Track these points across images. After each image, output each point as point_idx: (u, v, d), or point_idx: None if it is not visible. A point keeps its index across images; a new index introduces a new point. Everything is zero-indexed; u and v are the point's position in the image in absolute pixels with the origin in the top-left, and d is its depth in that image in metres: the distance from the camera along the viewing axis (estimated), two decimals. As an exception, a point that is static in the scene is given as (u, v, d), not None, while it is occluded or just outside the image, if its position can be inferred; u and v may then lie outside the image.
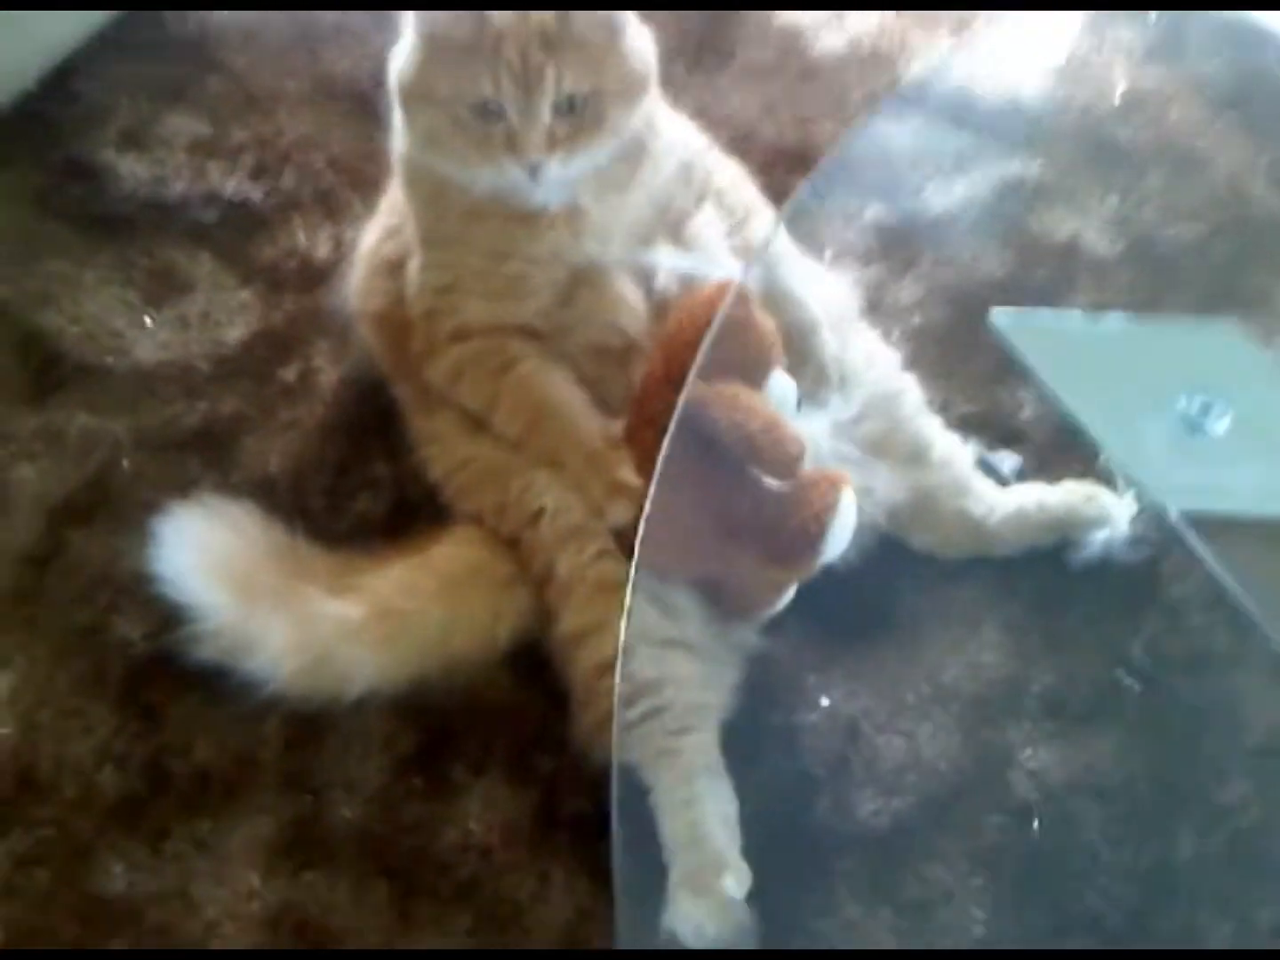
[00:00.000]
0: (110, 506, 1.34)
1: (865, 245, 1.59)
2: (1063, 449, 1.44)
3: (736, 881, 1.10)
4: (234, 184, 1.60)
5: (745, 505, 1.17)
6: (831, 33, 1.86)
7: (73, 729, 1.20)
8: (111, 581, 1.29)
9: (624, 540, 1.22)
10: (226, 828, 1.16)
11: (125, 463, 1.37)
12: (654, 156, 1.28)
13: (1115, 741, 1.26)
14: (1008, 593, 1.35)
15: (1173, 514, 1.09)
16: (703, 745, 1.19)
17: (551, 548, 1.22)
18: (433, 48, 1.17)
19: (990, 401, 1.47)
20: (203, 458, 1.37)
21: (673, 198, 1.31)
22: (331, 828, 1.17)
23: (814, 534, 1.13)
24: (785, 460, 1.13)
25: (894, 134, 1.74)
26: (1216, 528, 1.07)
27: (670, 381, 1.19)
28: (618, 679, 1.14)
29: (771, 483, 1.17)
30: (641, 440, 1.22)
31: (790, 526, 1.14)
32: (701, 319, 1.20)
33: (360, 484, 1.38)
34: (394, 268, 1.35)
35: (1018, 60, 1.80)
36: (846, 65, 1.82)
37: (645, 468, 1.21)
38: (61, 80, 1.68)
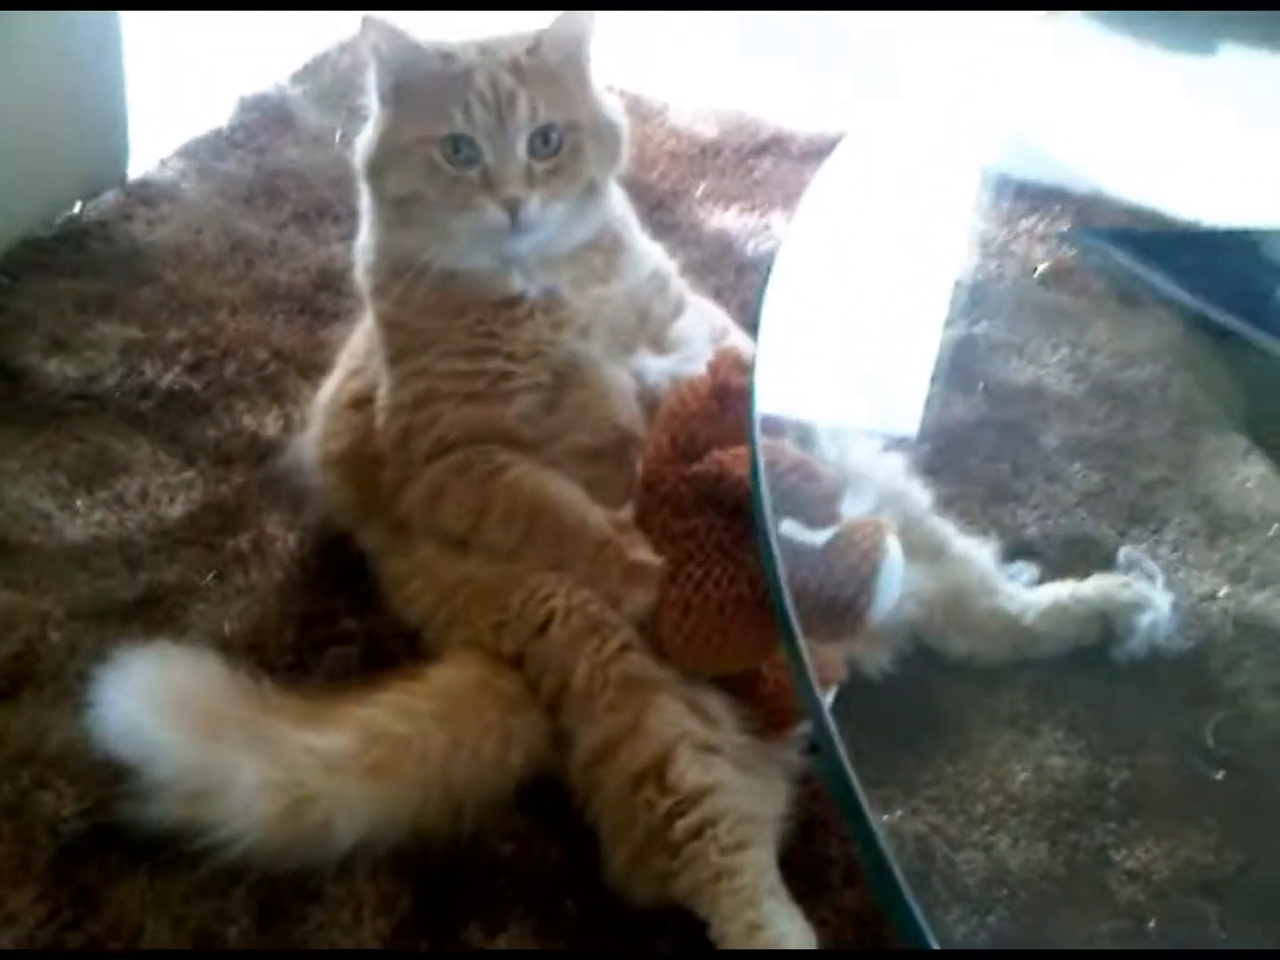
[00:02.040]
0: (36, 681, 1.15)
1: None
2: (1076, 556, 1.37)
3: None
4: (171, 377, 1.50)
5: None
6: (762, 240, 1.90)
7: (-11, 921, 0.97)
8: (37, 757, 1.09)
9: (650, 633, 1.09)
10: (193, 1015, 0.92)
11: (54, 636, 1.19)
12: (630, 250, 1.25)
13: (1212, 832, 1.12)
14: (1057, 694, 1.24)
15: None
16: (763, 863, 1.01)
17: (565, 653, 1.07)
18: (399, 98, 1.14)
19: (992, 522, 1.41)
20: (147, 626, 1.20)
21: (651, 303, 1.27)
22: (324, 1006, 0.94)
23: (864, 575, 1.02)
24: (823, 496, 1.03)
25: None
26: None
27: (680, 456, 1.10)
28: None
29: (807, 537, 1.06)
30: (655, 522, 1.11)
31: (836, 576, 1.03)
32: (703, 389, 1.13)
33: (328, 639, 1.22)
34: (360, 403, 1.27)
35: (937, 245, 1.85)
36: (782, 260, 1.85)
37: (662, 550, 1.09)
38: (-18, 291, 1.61)
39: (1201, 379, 1.64)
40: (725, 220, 1.93)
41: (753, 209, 1.97)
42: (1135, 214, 1.98)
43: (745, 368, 1.12)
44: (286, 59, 2.21)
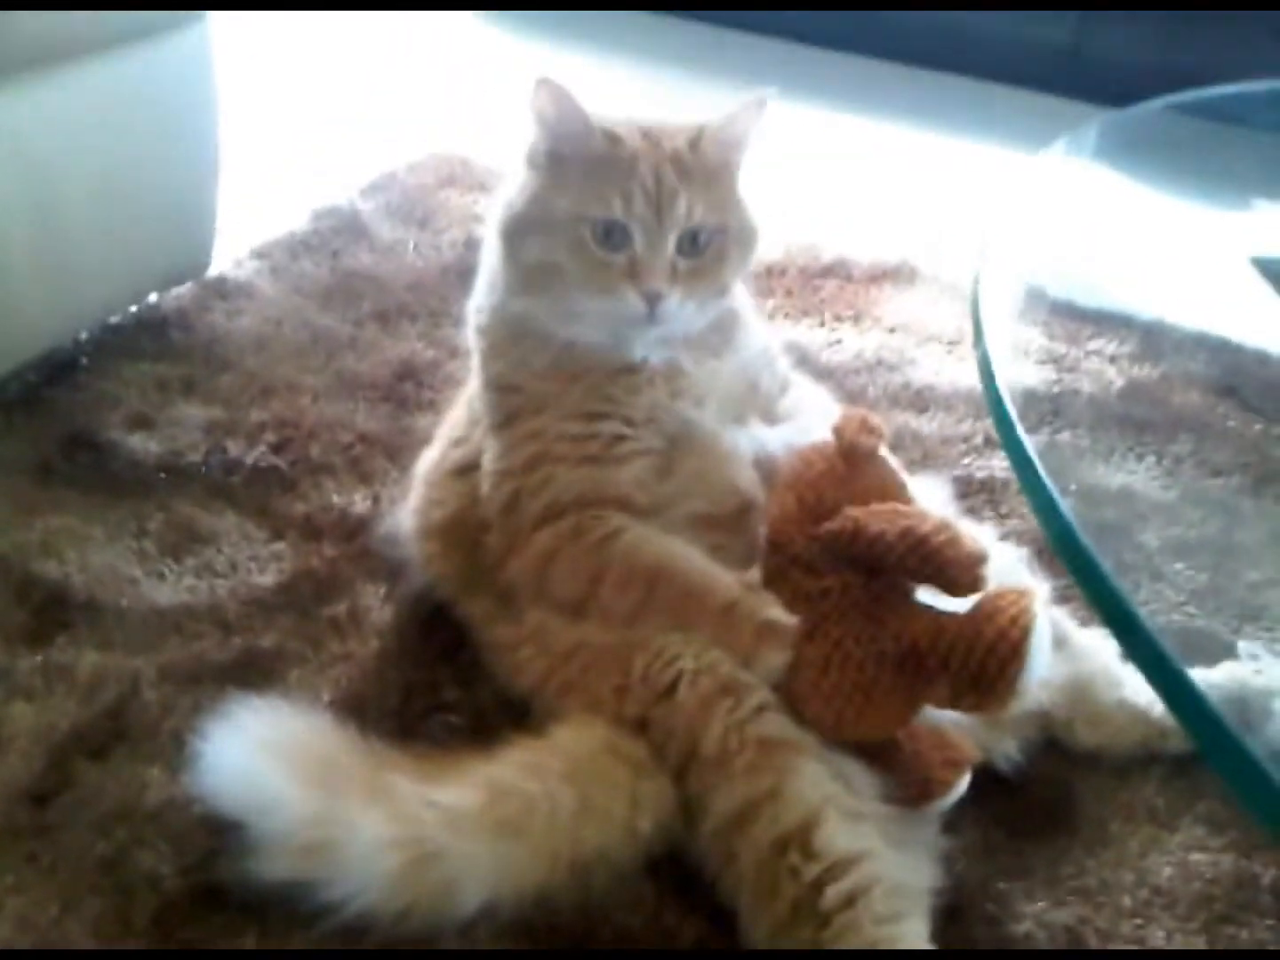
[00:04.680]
0: (129, 740, 1.10)
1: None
2: (1194, 651, 1.32)
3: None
4: (256, 454, 1.48)
5: (923, 630, 1.01)
6: (835, 351, 1.91)
7: (87, 981, 0.90)
8: (134, 814, 1.03)
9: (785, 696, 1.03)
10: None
11: (148, 695, 1.14)
12: (745, 326, 1.25)
13: (1378, 929, 1.05)
14: (1193, 787, 1.17)
15: None
16: (921, 936, 0.94)
17: (695, 716, 1.02)
18: (556, 167, 1.12)
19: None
20: (243, 689, 1.14)
21: (759, 377, 1.26)
22: (451, 1079, 0.86)
23: (1015, 640, 0.97)
24: (968, 561, 0.99)
25: (909, 421, 1.75)
26: None
27: (808, 517, 1.07)
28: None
29: (950, 604, 1.02)
30: (784, 584, 1.07)
31: (984, 641, 0.98)
32: (830, 451, 1.10)
33: (431, 707, 1.16)
34: (464, 470, 1.24)
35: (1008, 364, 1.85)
36: (858, 371, 1.85)
37: (796, 610, 1.05)
38: (63, 371, 1.59)
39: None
40: (797, 333, 1.94)
41: (822, 324, 1.99)
42: (1202, 340, 1.99)
43: (872, 429, 1.10)
44: (353, 175, 2.26)
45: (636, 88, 2.77)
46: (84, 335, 1.65)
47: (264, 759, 0.95)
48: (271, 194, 2.17)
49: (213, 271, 1.86)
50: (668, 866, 1.02)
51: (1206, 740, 0.73)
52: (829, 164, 2.62)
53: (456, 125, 2.53)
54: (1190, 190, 2.63)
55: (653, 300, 1.10)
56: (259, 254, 1.94)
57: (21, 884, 0.96)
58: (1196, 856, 1.11)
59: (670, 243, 1.11)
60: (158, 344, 1.68)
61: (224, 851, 0.96)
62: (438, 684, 1.19)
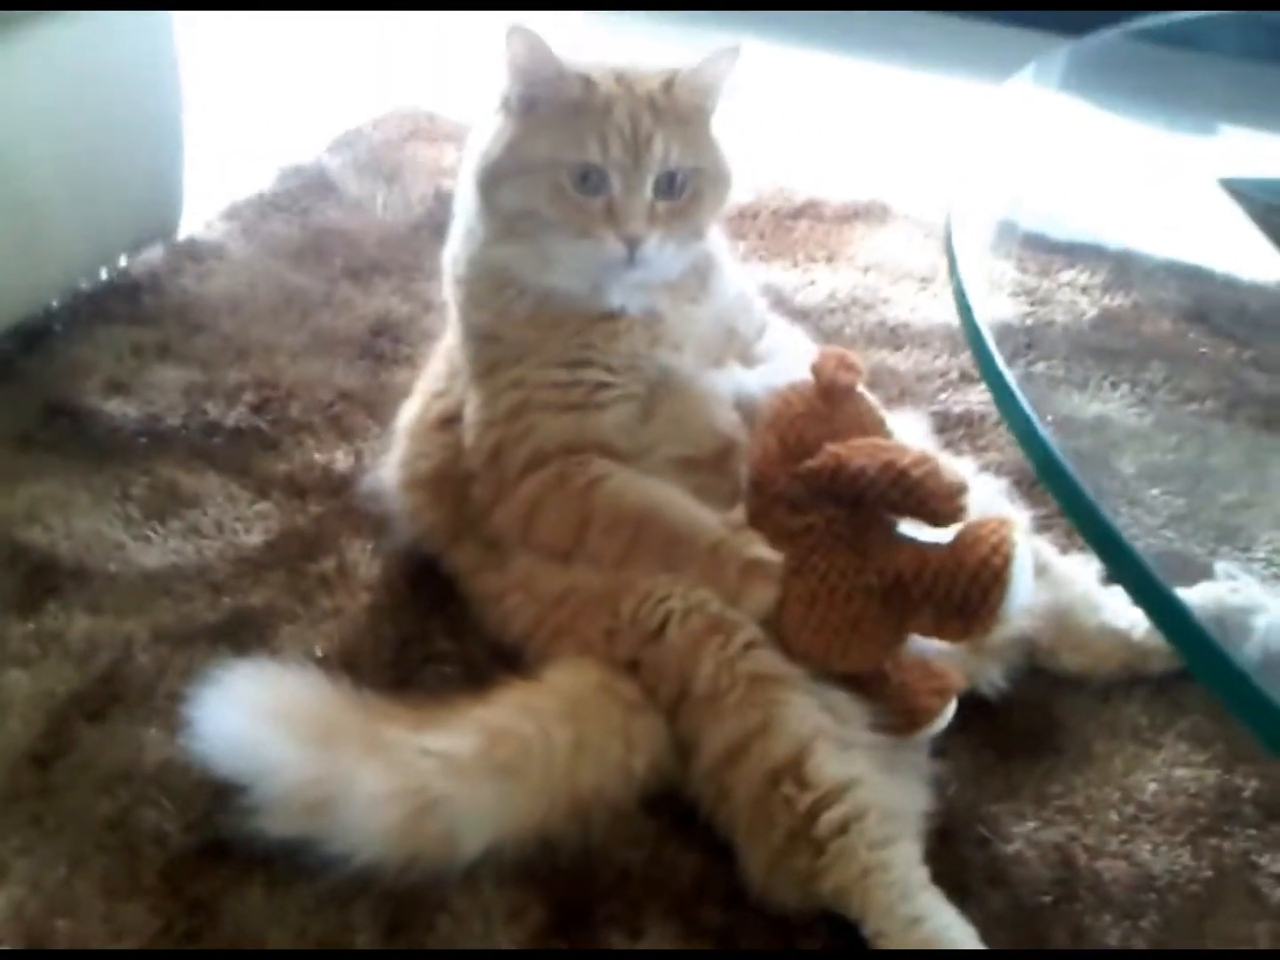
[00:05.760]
0: (127, 702, 1.11)
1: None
2: (1172, 574, 1.33)
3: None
4: (236, 415, 1.48)
5: (907, 561, 1.03)
6: (810, 293, 1.91)
7: (98, 936, 0.91)
8: (136, 774, 1.04)
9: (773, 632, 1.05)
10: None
11: (141, 658, 1.14)
12: (720, 271, 1.25)
13: (1357, 835, 1.07)
14: (1175, 706, 1.20)
15: None
16: (913, 857, 0.97)
17: (685, 655, 1.03)
18: (533, 114, 1.11)
19: (1080, 547, 1.38)
20: (235, 648, 1.16)
21: (736, 322, 1.27)
22: (465, 1014, 0.88)
23: (997, 568, 0.98)
24: (949, 492, 1.00)
25: (885, 358, 1.76)
26: None
27: (790, 456, 1.08)
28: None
29: (932, 535, 1.04)
30: (768, 523, 1.08)
31: (967, 569, 1.00)
32: (808, 390, 1.11)
33: (424, 659, 1.18)
34: (447, 422, 1.24)
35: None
36: (833, 310, 1.86)
37: (780, 548, 1.06)
38: (36, 339, 1.58)
39: (1266, 413, 1.65)
40: (770, 275, 1.94)
41: (795, 265, 1.99)
42: (1171, 267, 2.01)
43: (850, 366, 1.11)
44: (319, 133, 2.23)
45: (605, 35, 2.74)
46: (55, 303, 1.64)
47: (256, 722, 0.96)
48: (238, 154, 2.15)
49: (182, 234, 1.84)
50: (665, 803, 1.03)
51: (1193, 655, 0.74)
52: (796, 104, 2.61)
53: (420, 79, 2.50)
54: (1156, 116, 2.64)
55: (632, 243, 1.10)
56: (228, 215, 1.93)
57: (29, 845, 0.97)
58: (1180, 772, 1.14)
59: (648, 185, 1.11)
60: (130, 309, 1.67)
61: (226, 808, 0.97)
62: (429, 635, 1.20)
